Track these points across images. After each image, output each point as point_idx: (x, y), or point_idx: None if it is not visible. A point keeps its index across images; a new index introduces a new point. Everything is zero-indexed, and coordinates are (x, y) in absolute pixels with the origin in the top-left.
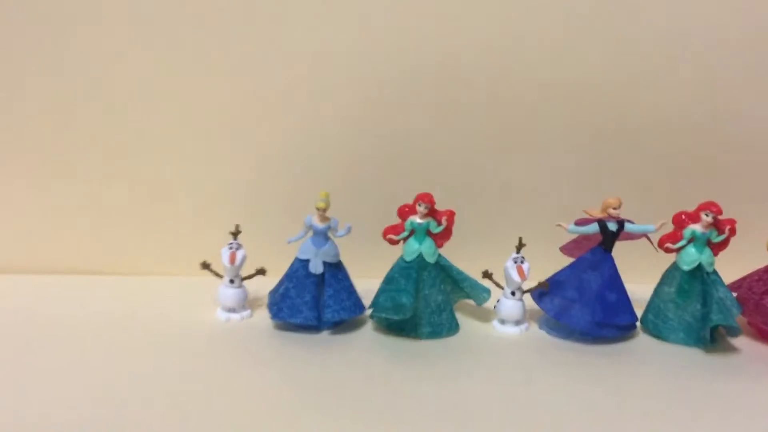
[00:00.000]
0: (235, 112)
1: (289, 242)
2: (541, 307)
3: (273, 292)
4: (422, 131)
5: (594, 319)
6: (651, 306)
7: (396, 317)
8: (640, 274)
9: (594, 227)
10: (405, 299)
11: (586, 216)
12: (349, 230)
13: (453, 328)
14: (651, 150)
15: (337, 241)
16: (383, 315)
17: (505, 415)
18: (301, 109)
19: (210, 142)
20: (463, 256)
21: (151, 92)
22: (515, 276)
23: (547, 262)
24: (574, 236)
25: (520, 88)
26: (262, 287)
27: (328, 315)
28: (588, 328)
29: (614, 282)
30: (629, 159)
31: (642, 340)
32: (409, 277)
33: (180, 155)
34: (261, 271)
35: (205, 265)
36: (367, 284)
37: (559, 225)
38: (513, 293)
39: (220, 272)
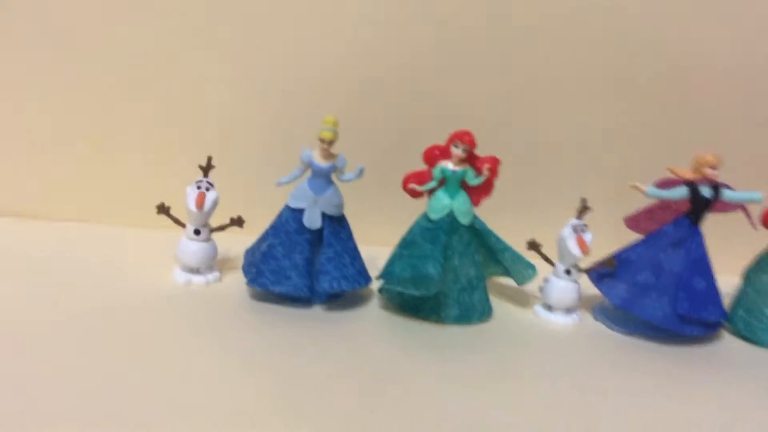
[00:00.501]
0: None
1: (279, 184)
2: (602, 291)
3: (251, 251)
4: (446, 67)
5: (676, 311)
6: (742, 299)
7: (417, 292)
8: (722, 260)
9: (682, 191)
10: (432, 268)
11: (672, 176)
12: (361, 173)
13: (486, 312)
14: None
15: (342, 188)
16: (399, 288)
17: None
18: (294, 24)
19: (180, 54)
20: (499, 222)
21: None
22: (574, 249)
23: (603, 236)
24: (648, 203)
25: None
26: (237, 243)
27: (323, 284)
28: (666, 323)
29: (704, 265)
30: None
31: (728, 342)
32: (436, 240)
33: (142, 69)
34: (237, 222)
35: (163, 209)
36: (366, 252)
37: (635, 186)
38: (567, 271)
39: (183, 220)
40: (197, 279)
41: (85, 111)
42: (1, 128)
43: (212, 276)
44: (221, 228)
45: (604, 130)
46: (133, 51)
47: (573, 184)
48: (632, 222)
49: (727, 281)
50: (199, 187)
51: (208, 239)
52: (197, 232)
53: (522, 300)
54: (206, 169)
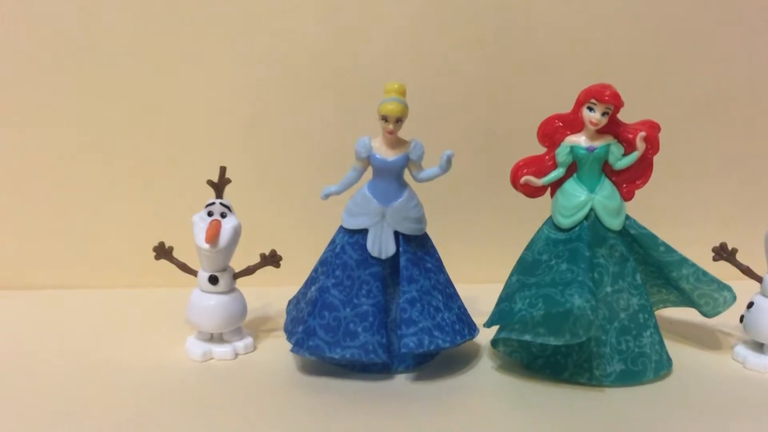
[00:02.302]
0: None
1: (327, 196)
2: None
3: (296, 300)
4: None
5: None
6: None
7: (557, 340)
8: None
9: None
10: (579, 299)
11: None
12: (449, 163)
13: (664, 364)
14: None
15: (421, 190)
16: (527, 337)
17: None
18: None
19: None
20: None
21: None
22: None
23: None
24: None
25: None
26: (278, 293)
27: (407, 340)
28: None
29: None
30: None
31: None
32: (575, 256)
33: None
34: (271, 259)
35: (162, 251)
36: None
37: None
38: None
39: (193, 263)
40: (220, 350)
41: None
42: None
43: (242, 343)
44: (249, 271)
45: None
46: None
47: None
48: None
49: None
50: (210, 214)
51: (231, 289)
52: (214, 280)
53: (711, 340)
54: (219, 186)
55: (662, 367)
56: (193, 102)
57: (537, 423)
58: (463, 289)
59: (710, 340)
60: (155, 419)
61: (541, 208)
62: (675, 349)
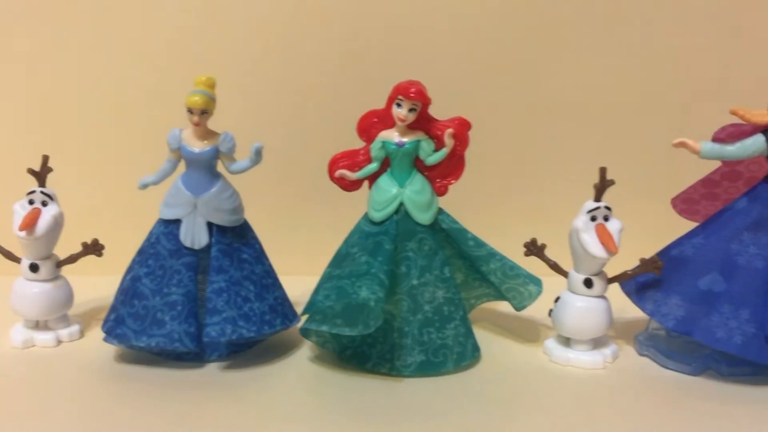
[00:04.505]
0: None
1: (143, 186)
2: (646, 310)
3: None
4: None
5: (765, 331)
6: None
7: (350, 331)
8: None
9: (756, 144)
10: (366, 292)
11: (739, 122)
12: (258, 154)
13: (468, 354)
14: None
15: (236, 180)
16: (324, 327)
17: None
18: None
19: None
20: (484, 219)
21: None
22: (593, 246)
23: (645, 229)
24: (707, 172)
25: None
26: (101, 282)
27: (209, 329)
28: (748, 351)
29: None
30: None
31: None
32: (377, 249)
33: None
34: (93, 248)
35: None
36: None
37: (683, 143)
38: (588, 283)
39: (16, 251)
40: (42, 337)
41: None
42: None
43: (67, 331)
44: (72, 259)
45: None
46: None
47: (595, 156)
48: (685, 204)
49: None
50: (31, 202)
51: (54, 277)
52: (34, 267)
53: (529, 333)
54: (41, 175)
55: (464, 358)
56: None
57: (331, 412)
58: (305, 281)
59: (527, 333)
60: None
61: None
62: (489, 341)
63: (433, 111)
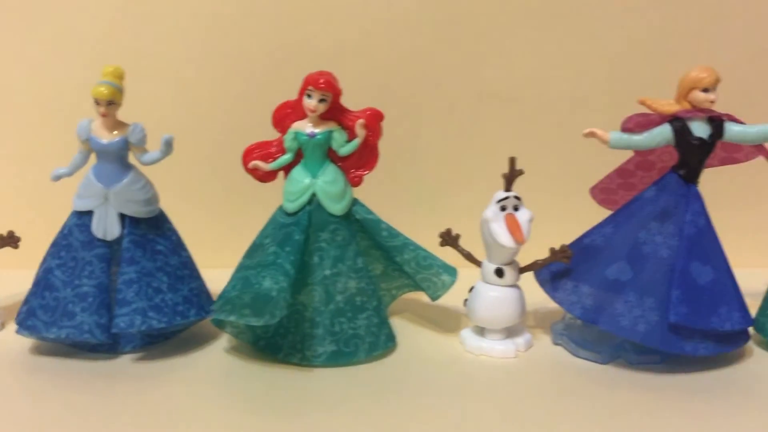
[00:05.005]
0: None
1: (56, 178)
2: (556, 299)
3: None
4: None
5: (668, 320)
6: None
7: (254, 321)
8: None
9: (663, 132)
10: (268, 282)
11: (647, 111)
12: (168, 145)
13: (380, 344)
14: None
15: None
16: (233, 317)
17: None
18: None
19: None
20: (400, 208)
21: None
22: (503, 237)
23: (566, 217)
24: (623, 162)
25: None
26: (18, 276)
27: (118, 321)
28: (652, 339)
29: (708, 245)
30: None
31: (762, 361)
32: (286, 240)
33: None
34: (9, 240)
35: None
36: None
37: (592, 133)
38: (499, 272)
39: None
40: None
41: None
42: None
43: None
44: None
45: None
46: None
47: (514, 147)
48: (603, 194)
49: (759, 275)
50: None
51: None
52: None
53: (448, 323)
54: None
55: (377, 348)
56: None
57: (240, 403)
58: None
59: (447, 323)
60: None
61: None
62: (408, 331)
63: (355, 103)
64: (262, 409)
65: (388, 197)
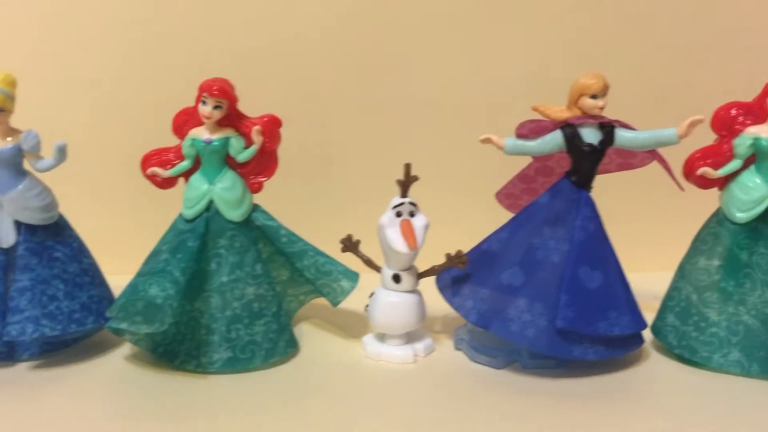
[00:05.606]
0: None
1: None
2: (453, 305)
3: None
4: None
5: (556, 324)
6: (673, 301)
7: (144, 328)
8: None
9: (555, 139)
10: (154, 290)
11: (539, 118)
12: (62, 152)
13: (278, 350)
14: None
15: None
16: (123, 325)
17: None
18: None
19: None
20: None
21: None
22: (397, 243)
23: (472, 221)
24: (524, 167)
25: None
26: None
27: (9, 329)
28: (539, 344)
29: (597, 249)
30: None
31: (654, 365)
32: (179, 247)
33: None
34: None
35: None
36: None
37: (487, 139)
38: (396, 278)
39: None
40: None
41: None
42: None
43: None
44: None
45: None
46: None
47: (421, 153)
48: (508, 199)
49: (659, 279)
50: None
51: None
52: None
53: (353, 329)
54: None
55: (274, 354)
56: None
57: (133, 410)
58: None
59: (352, 329)
60: None
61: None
62: (312, 337)
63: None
64: (152, 415)
65: (301, 203)
